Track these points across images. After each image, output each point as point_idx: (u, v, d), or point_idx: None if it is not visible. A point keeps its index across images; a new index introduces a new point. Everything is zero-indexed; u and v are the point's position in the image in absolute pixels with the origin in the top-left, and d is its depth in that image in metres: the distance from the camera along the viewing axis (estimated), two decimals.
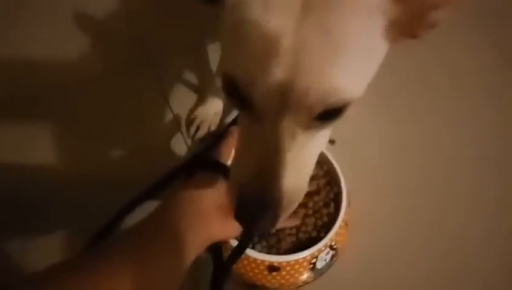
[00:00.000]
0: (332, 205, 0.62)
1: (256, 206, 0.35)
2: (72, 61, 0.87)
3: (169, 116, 0.80)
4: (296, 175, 0.35)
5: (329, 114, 0.32)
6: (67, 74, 0.85)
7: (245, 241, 0.53)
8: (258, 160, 0.34)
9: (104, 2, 0.95)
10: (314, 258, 0.57)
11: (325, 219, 0.60)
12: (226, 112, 0.79)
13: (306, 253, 0.56)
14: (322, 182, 0.64)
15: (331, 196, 0.63)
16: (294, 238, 0.59)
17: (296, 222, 0.60)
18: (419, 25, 0.33)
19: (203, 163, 0.53)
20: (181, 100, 0.82)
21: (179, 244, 0.43)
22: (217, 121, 0.78)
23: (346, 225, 0.63)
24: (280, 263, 0.56)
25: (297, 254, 0.56)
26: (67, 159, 0.75)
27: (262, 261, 0.56)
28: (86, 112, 0.81)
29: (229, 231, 0.49)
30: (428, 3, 0.32)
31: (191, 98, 0.82)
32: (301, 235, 0.59)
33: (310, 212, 0.61)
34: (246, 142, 0.36)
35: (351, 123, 0.77)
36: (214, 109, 0.78)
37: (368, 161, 0.75)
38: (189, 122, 0.78)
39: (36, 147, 0.75)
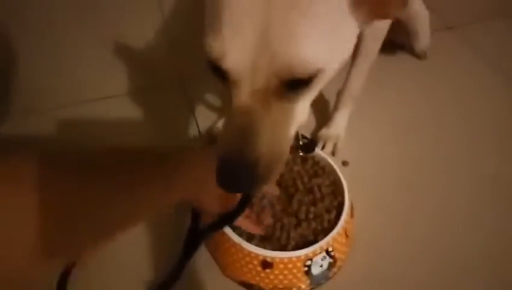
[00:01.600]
0: (334, 212, 0.62)
1: (235, 168, 0.37)
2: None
3: (194, 131, 0.86)
4: (273, 140, 0.38)
5: (298, 83, 0.36)
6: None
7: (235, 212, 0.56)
8: (237, 126, 0.37)
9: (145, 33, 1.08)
10: (308, 259, 0.56)
11: (325, 224, 0.60)
12: None
13: (300, 252, 0.56)
14: (327, 190, 0.65)
15: (335, 204, 0.63)
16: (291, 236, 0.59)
17: (276, 191, 0.63)
18: (388, 3, 0.36)
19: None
20: (206, 118, 0.88)
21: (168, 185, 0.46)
22: None
23: (347, 235, 0.62)
24: (273, 258, 0.55)
25: (291, 252, 0.56)
26: None
27: (256, 255, 0.56)
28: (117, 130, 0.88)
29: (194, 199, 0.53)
30: None
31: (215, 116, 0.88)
32: (297, 237, 0.59)
33: (311, 216, 0.61)
34: (229, 112, 0.38)
35: (361, 144, 0.80)
36: None
37: (374, 180, 0.75)
38: (210, 134, 0.83)
39: None
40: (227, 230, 0.57)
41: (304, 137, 0.72)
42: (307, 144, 0.68)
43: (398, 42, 0.98)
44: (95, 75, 0.98)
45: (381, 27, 0.66)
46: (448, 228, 0.69)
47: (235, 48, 0.34)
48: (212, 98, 0.92)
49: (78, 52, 1.04)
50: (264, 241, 0.58)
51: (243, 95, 0.36)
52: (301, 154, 0.68)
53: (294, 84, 0.36)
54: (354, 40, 0.39)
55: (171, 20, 1.14)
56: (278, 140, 0.39)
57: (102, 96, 0.92)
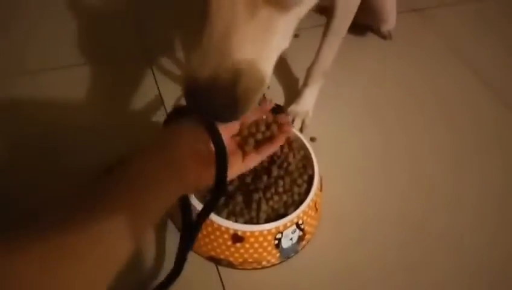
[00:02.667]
0: (304, 186, 0.62)
1: (211, 80, 0.32)
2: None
3: (157, 102, 0.82)
4: (255, 56, 0.33)
5: None
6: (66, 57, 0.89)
7: (218, 190, 0.47)
8: (216, 31, 0.32)
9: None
10: (279, 233, 0.56)
11: (296, 197, 0.60)
12: None
13: (271, 225, 0.55)
14: (297, 164, 0.64)
15: (305, 178, 0.63)
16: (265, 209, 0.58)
17: (259, 114, 0.58)
18: None
19: (179, 111, 0.50)
20: (172, 90, 0.84)
21: (146, 202, 0.38)
22: None
23: (317, 209, 0.62)
24: (244, 232, 0.55)
25: (262, 225, 0.55)
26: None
27: (227, 229, 0.55)
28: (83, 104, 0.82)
29: (206, 178, 0.45)
30: None
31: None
32: (269, 210, 0.59)
33: (281, 190, 0.60)
34: (205, 24, 0.33)
35: (328, 121, 0.81)
36: None
37: (340, 156, 0.77)
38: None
39: None
40: (196, 202, 0.56)
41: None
42: (274, 107, 0.67)
43: (364, 23, 0.99)
44: (50, 42, 0.91)
45: (351, 8, 0.67)
46: (414, 203, 0.71)
47: None
48: (177, 70, 0.88)
49: (30, 17, 0.96)
50: (235, 214, 0.57)
51: (225, 1, 0.31)
52: None
53: None
54: None
55: None
56: (261, 57, 0.34)
57: (58, 66, 0.86)
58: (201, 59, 0.33)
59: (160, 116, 0.79)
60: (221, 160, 0.45)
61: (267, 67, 0.35)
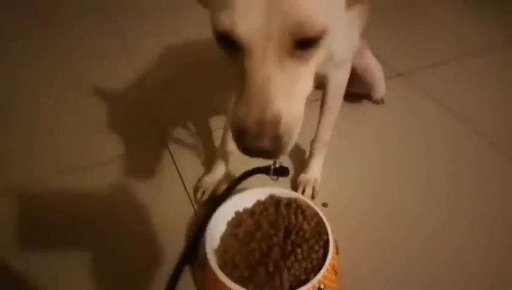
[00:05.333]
0: (321, 251, 0.67)
1: (256, 129, 0.39)
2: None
3: (179, 185, 0.90)
4: (289, 103, 0.40)
5: (307, 43, 0.39)
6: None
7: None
8: (255, 89, 0.39)
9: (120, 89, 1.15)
10: None
11: (315, 262, 0.65)
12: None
13: None
14: (312, 231, 0.70)
15: (321, 243, 0.68)
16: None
17: None
18: None
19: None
20: (192, 173, 0.93)
21: None
22: (221, 188, 0.87)
23: (336, 272, 0.66)
24: None
25: None
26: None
27: None
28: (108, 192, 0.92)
29: None
30: None
31: (200, 170, 0.94)
32: (292, 278, 0.63)
33: (300, 257, 0.65)
34: (239, 84, 0.41)
35: (336, 186, 0.88)
36: (217, 177, 0.88)
37: (352, 217, 0.82)
38: (196, 189, 0.88)
39: None
40: (225, 279, 0.61)
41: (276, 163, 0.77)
42: (280, 168, 0.74)
43: (358, 92, 1.09)
44: (75, 142, 1.02)
45: (341, 85, 0.76)
46: (425, 255, 0.75)
47: (246, 17, 0.37)
48: (196, 154, 0.98)
49: (51, 122, 1.09)
50: (261, 286, 0.62)
51: (257, 60, 0.39)
52: (275, 177, 0.74)
53: (304, 44, 0.39)
54: (342, 12, 0.45)
55: (145, 72, 1.23)
56: (294, 100, 0.41)
57: (85, 163, 0.96)
58: (245, 110, 0.40)
59: (181, 196, 0.87)
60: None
61: (300, 106, 0.43)
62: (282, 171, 0.74)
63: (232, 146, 0.86)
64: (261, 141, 0.39)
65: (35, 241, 0.80)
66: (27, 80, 1.24)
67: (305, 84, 0.43)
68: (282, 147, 0.41)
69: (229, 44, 0.40)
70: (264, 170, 0.76)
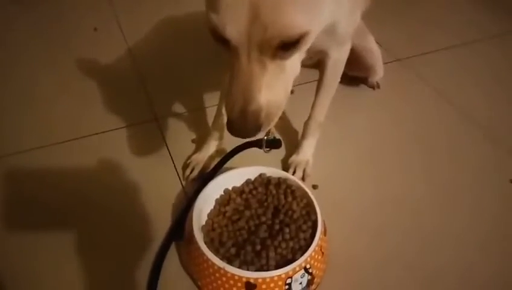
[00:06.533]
0: (309, 231, 0.66)
1: (241, 118, 0.46)
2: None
3: (169, 162, 0.89)
4: (272, 95, 0.46)
5: (288, 45, 0.43)
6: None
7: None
8: (240, 86, 0.45)
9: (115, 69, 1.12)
10: (289, 278, 0.60)
11: (302, 242, 0.65)
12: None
13: (281, 271, 0.59)
14: (301, 212, 0.69)
15: (309, 224, 0.68)
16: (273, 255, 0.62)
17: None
18: None
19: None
20: (182, 150, 0.91)
21: None
22: (211, 165, 0.86)
23: (323, 253, 0.66)
24: (256, 279, 0.59)
25: (272, 271, 0.59)
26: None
27: (240, 278, 0.59)
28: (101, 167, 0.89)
29: None
30: None
31: (191, 147, 0.92)
32: (278, 257, 0.63)
33: (287, 237, 0.65)
34: (231, 75, 0.46)
35: (327, 169, 0.87)
36: (207, 154, 0.87)
37: (342, 200, 0.82)
38: (185, 166, 0.86)
39: None
40: (210, 255, 0.60)
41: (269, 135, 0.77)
42: (272, 140, 0.75)
43: (355, 75, 1.08)
44: (64, 115, 1.00)
45: (341, 63, 0.74)
46: (416, 240, 0.75)
47: (232, 20, 0.41)
48: (187, 131, 0.96)
49: (45, 94, 1.06)
50: (247, 263, 0.61)
51: (243, 60, 0.44)
52: (266, 149, 0.76)
53: (285, 46, 0.43)
54: (332, 9, 0.48)
55: (140, 56, 1.20)
56: (276, 92, 0.47)
57: (74, 137, 0.94)
58: (231, 104, 0.46)
59: (169, 173, 0.86)
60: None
61: (283, 94, 0.48)
62: (274, 143, 0.75)
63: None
64: (244, 130, 0.47)
65: (18, 214, 0.78)
66: (22, 54, 1.20)
67: (290, 72, 0.48)
68: (262, 130, 0.48)
69: (221, 39, 0.44)
70: (256, 144, 0.75)
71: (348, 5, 0.62)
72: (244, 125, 0.46)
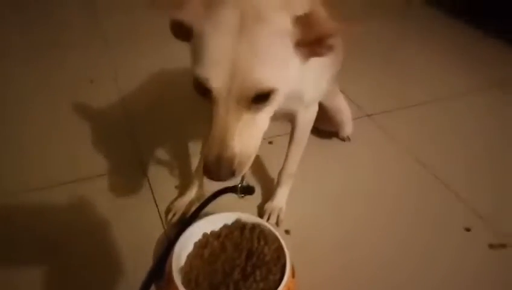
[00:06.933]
0: (278, 273, 0.72)
1: (217, 164, 0.52)
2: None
3: (153, 207, 0.95)
4: (244, 144, 0.53)
5: (261, 98, 0.52)
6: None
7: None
8: (218, 134, 0.52)
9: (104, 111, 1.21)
10: None
11: (271, 284, 0.70)
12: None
13: None
14: (273, 255, 0.76)
15: (278, 266, 0.74)
16: None
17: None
18: (320, 47, 0.54)
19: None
20: (166, 195, 0.98)
21: None
22: (190, 210, 0.93)
23: None
24: None
25: None
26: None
27: None
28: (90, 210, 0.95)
29: None
30: (321, 32, 0.53)
31: (174, 193, 0.99)
32: None
33: (258, 278, 0.71)
34: (211, 124, 0.53)
35: (300, 215, 0.94)
36: (189, 199, 0.94)
37: (312, 244, 0.89)
38: (168, 210, 0.93)
39: None
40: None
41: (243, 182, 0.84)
42: (246, 187, 0.81)
43: (328, 130, 1.18)
44: (51, 159, 1.07)
45: (308, 122, 0.84)
46: (381, 283, 0.82)
47: (215, 74, 0.50)
48: (171, 177, 1.03)
49: (30, 137, 1.13)
50: None
51: (221, 110, 0.52)
52: (241, 195, 0.81)
53: (258, 99, 0.52)
54: (298, 71, 0.56)
55: (131, 107, 1.29)
56: (247, 142, 0.54)
57: (62, 181, 1.00)
58: (208, 149, 0.53)
59: (153, 216, 0.92)
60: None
61: (253, 144, 0.55)
62: (248, 189, 0.82)
63: None
64: (218, 174, 0.53)
65: None
66: (15, 94, 1.29)
67: (261, 126, 0.56)
68: (235, 176, 0.55)
69: (203, 90, 0.52)
70: (231, 189, 0.82)
71: (313, 76, 0.72)
72: (219, 169, 0.52)
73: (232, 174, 0.54)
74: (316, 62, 0.57)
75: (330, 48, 0.55)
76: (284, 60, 0.53)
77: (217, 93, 0.51)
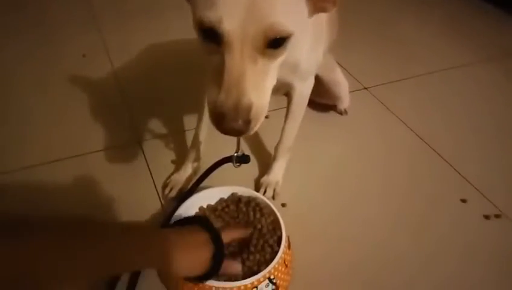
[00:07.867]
0: (274, 245, 0.73)
1: (232, 114, 0.48)
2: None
3: (149, 182, 0.95)
4: (258, 93, 0.49)
5: (277, 43, 0.48)
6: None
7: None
8: (232, 80, 0.48)
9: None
10: (254, 288, 0.66)
11: (267, 256, 0.71)
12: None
13: (246, 281, 0.66)
14: (268, 228, 0.76)
15: (275, 238, 0.75)
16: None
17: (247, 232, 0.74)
18: (325, 1, 0.53)
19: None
20: (162, 170, 0.98)
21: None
22: (187, 185, 0.93)
23: (286, 265, 0.73)
24: (224, 288, 0.65)
25: (238, 281, 0.66)
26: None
27: (210, 288, 0.65)
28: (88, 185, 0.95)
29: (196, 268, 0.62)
30: None
31: (170, 168, 0.99)
32: (246, 269, 0.69)
33: (253, 249, 0.72)
34: (216, 74, 0.49)
35: (296, 189, 0.94)
36: (186, 174, 0.94)
37: (308, 218, 0.89)
38: (165, 185, 0.93)
39: None
40: None
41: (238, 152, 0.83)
42: (241, 156, 0.81)
43: (324, 103, 1.17)
44: (48, 136, 1.06)
45: (305, 95, 0.83)
46: (375, 256, 0.82)
47: (230, 15, 0.45)
48: (168, 152, 1.03)
49: (32, 114, 1.12)
50: (217, 275, 0.68)
51: (236, 55, 0.47)
52: (237, 164, 0.80)
53: (274, 44, 0.48)
54: (306, 22, 0.54)
55: (125, 81, 1.27)
56: (263, 91, 0.51)
57: (58, 157, 1.00)
58: (224, 97, 0.48)
59: (150, 192, 0.92)
60: (218, 257, 0.63)
61: (267, 96, 0.52)
62: (243, 158, 0.81)
63: (203, 136, 0.93)
64: (236, 123, 0.48)
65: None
66: (4, 70, 1.27)
67: (272, 77, 0.53)
68: (250, 128, 0.50)
69: (212, 38, 0.48)
70: (228, 160, 0.82)
71: (309, 43, 0.71)
72: (237, 117, 0.48)
73: (248, 123, 0.49)
74: (312, 29, 0.55)
75: (334, 3, 0.53)
76: (299, 7, 0.51)
77: (231, 36, 0.46)
